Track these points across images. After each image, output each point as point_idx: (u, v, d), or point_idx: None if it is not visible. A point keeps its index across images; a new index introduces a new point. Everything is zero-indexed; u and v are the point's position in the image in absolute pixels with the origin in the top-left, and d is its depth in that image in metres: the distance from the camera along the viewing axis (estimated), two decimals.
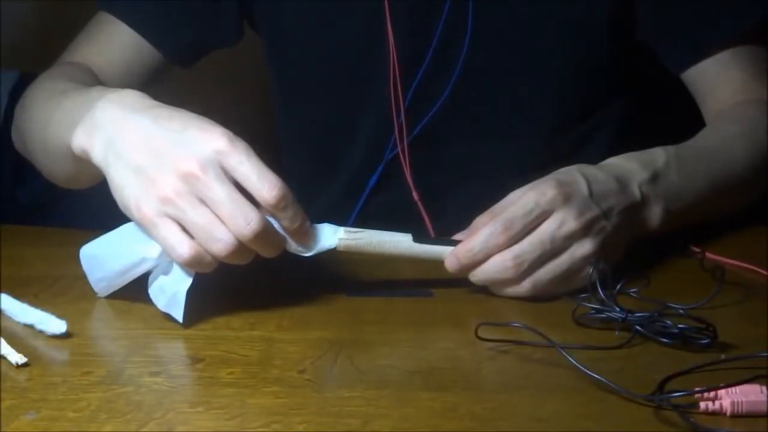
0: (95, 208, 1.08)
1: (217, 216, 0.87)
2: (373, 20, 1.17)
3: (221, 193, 0.87)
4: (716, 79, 1.19)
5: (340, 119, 1.25)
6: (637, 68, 1.24)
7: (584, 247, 0.95)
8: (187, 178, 0.87)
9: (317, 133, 1.27)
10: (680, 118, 1.24)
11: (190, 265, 0.88)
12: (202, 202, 0.87)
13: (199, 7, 1.23)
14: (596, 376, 0.78)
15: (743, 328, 0.90)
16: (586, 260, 0.95)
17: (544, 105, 1.21)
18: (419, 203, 1.19)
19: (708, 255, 1.04)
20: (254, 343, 0.87)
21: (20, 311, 0.90)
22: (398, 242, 0.96)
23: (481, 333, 0.86)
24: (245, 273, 0.91)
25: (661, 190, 1.03)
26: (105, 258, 0.93)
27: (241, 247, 0.88)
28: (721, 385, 0.75)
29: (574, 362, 0.80)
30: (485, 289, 0.97)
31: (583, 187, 0.97)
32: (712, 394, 0.75)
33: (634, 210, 1.01)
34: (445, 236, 0.98)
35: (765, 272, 1.02)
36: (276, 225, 0.91)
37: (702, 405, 0.75)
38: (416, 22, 1.17)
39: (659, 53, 1.21)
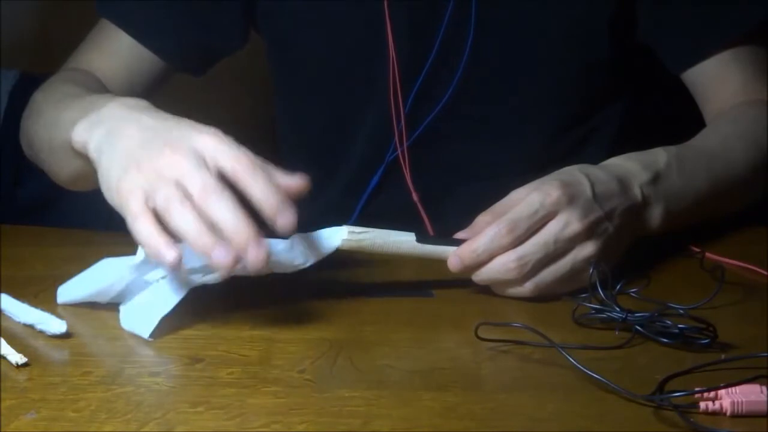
0: (95, 208, 1.08)
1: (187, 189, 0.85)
2: (374, 22, 1.17)
3: (191, 168, 0.86)
4: (717, 80, 1.19)
5: (341, 120, 1.25)
6: (637, 69, 1.24)
7: (587, 249, 0.95)
8: (171, 165, 0.86)
9: (318, 133, 1.27)
10: (681, 118, 1.24)
11: (139, 235, 0.86)
12: (177, 182, 0.86)
13: (202, 14, 1.22)
14: (596, 376, 0.78)
15: (743, 328, 0.90)
16: (588, 261, 0.95)
17: (545, 106, 1.21)
18: (419, 204, 1.19)
19: (708, 255, 1.04)
20: (254, 343, 0.87)
21: (20, 311, 0.90)
22: (402, 242, 0.96)
23: (481, 333, 0.86)
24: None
25: (662, 191, 1.03)
26: (87, 284, 0.93)
27: (189, 208, 0.85)
28: (721, 385, 0.75)
29: (574, 362, 0.80)
30: (486, 290, 0.97)
31: (587, 188, 0.97)
32: (712, 394, 0.75)
33: (636, 211, 1.01)
34: (446, 236, 0.98)
35: (765, 272, 1.02)
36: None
37: (702, 405, 0.75)
38: (417, 23, 1.17)
39: (660, 53, 1.21)
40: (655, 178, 1.03)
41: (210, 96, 1.69)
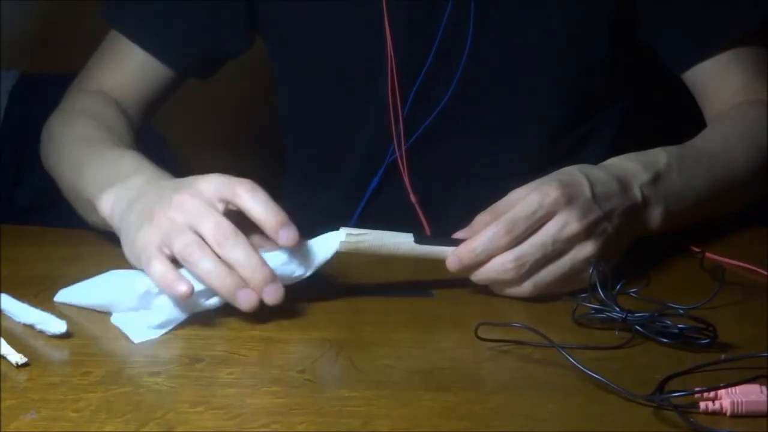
0: None
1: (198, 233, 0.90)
2: (373, 23, 1.17)
3: (202, 209, 0.90)
4: (717, 80, 1.19)
5: (341, 122, 1.25)
6: (638, 68, 1.24)
7: (586, 249, 0.95)
8: (179, 206, 0.91)
9: (318, 135, 1.27)
10: (681, 118, 1.24)
11: (152, 274, 0.90)
12: (187, 224, 0.90)
13: (210, 21, 1.23)
14: (596, 376, 0.79)
15: (743, 328, 0.90)
16: (587, 262, 0.95)
17: (544, 106, 1.21)
18: (417, 206, 1.19)
19: (708, 255, 1.04)
20: (254, 343, 0.87)
21: (20, 311, 0.90)
22: (400, 243, 0.96)
23: (481, 333, 0.86)
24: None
25: (662, 192, 1.03)
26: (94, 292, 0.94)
27: (208, 252, 0.89)
28: (721, 385, 0.75)
29: (574, 362, 0.80)
30: (486, 290, 0.97)
31: (586, 189, 0.97)
32: (712, 394, 0.75)
33: (635, 211, 1.01)
34: (446, 237, 0.98)
35: (765, 272, 1.02)
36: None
37: (702, 405, 0.75)
38: (416, 24, 1.17)
39: (660, 53, 1.21)
40: (656, 179, 1.03)
41: (211, 98, 1.69)
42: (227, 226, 0.90)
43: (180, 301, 0.89)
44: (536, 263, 0.94)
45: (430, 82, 1.18)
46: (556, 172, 0.99)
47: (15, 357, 0.82)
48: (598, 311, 0.90)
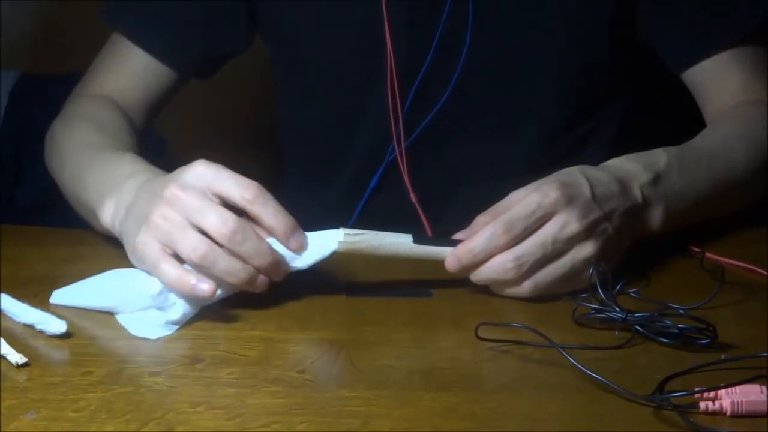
0: None
1: (198, 227, 0.90)
2: (373, 23, 1.17)
3: (198, 204, 0.90)
4: (717, 80, 1.19)
5: (341, 121, 1.25)
6: (638, 68, 1.24)
7: (586, 249, 0.95)
8: (171, 202, 0.91)
9: (318, 134, 1.27)
10: (681, 118, 1.24)
11: (166, 278, 0.90)
12: (186, 220, 0.90)
13: (208, 20, 1.23)
14: (596, 376, 0.79)
15: (743, 328, 0.90)
16: (587, 262, 0.95)
17: (544, 106, 1.20)
18: (417, 205, 1.19)
19: (708, 255, 1.04)
20: (254, 343, 0.87)
21: (20, 311, 0.90)
22: (398, 243, 0.96)
23: (481, 333, 0.86)
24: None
25: (663, 192, 1.03)
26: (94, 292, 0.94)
27: (220, 252, 0.89)
28: (721, 385, 0.75)
29: (574, 362, 0.80)
30: (486, 289, 0.97)
31: (586, 189, 0.97)
32: (712, 394, 0.75)
33: (636, 212, 1.01)
34: (445, 237, 0.98)
35: (765, 272, 1.01)
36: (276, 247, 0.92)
37: (702, 405, 0.75)
38: (416, 24, 1.17)
39: (660, 53, 1.21)
40: (656, 179, 1.03)
41: (211, 98, 1.69)
42: (230, 218, 0.90)
43: (195, 298, 0.90)
44: (536, 263, 0.94)
45: (429, 81, 1.18)
46: (556, 173, 0.99)
47: (15, 357, 0.82)
48: (598, 311, 0.90)
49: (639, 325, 0.87)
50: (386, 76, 1.18)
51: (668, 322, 0.86)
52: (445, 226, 1.04)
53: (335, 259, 0.95)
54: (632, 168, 1.03)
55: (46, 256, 1.07)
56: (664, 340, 0.86)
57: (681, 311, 0.90)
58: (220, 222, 0.90)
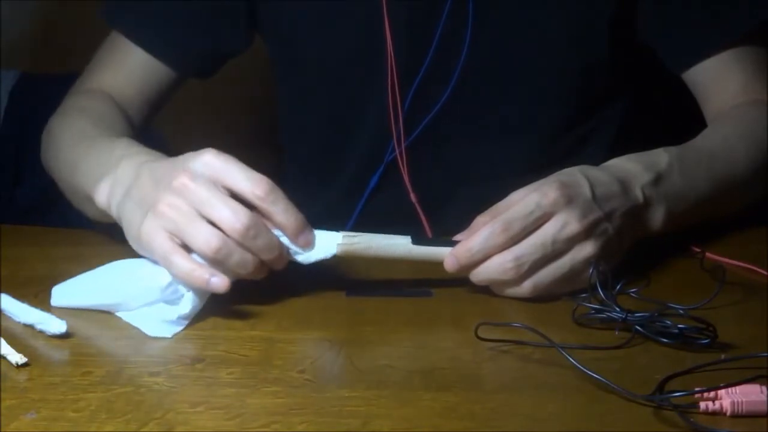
0: None
1: (210, 220, 0.90)
2: (373, 23, 1.17)
3: (209, 196, 0.90)
4: (717, 80, 1.19)
5: (341, 120, 1.25)
6: (638, 68, 1.24)
7: (586, 249, 0.95)
8: (180, 191, 0.91)
9: (318, 133, 1.27)
10: (681, 118, 1.24)
11: (178, 272, 0.89)
12: (195, 211, 0.90)
13: (208, 19, 1.23)
14: (596, 376, 0.78)
15: (743, 328, 0.90)
16: (587, 262, 0.95)
17: (544, 106, 1.20)
18: (417, 205, 1.19)
19: (708, 255, 1.04)
20: (254, 343, 0.87)
21: (20, 311, 0.90)
22: (397, 245, 0.96)
23: (481, 333, 0.86)
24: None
25: (664, 192, 1.03)
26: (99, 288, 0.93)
27: (233, 246, 0.89)
28: (721, 385, 0.75)
29: (574, 362, 0.80)
30: (486, 289, 0.97)
31: (586, 189, 0.97)
32: (712, 394, 0.75)
33: (637, 212, 1.01)
34: (445, 237, 0.98)
35: (765, 272, 1.01)
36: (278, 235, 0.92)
37: (702, 405, 0.75)
38: (416, 24, 1.17)
39: (660, 53, 1.21)
40: (657, 179, 1.03)
41: (211, 98, 1.69)
42: (243, 213, 0.90)
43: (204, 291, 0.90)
44: (535, 263, 0.94)
45: (429, 81, 1.18)
46: (557, 173, 0.99)
47: (15, 357, 0.82)
48: (598, 311, 0.90)
49: (639, 325, 0.87)
50: (386, 76, 1.18)
51: (668, 322, 0.86)
52: (445, 226, 1.04)
53: (335, 258, 0.95)
54: (633, 168, 1.03)
55: (46, 256, 1.07)
56: (664, 340, 0.86)
57: (681, 311, 0.90)
58: (233, 217, 0.89)
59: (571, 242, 0.95)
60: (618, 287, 0.93)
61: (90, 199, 1.02)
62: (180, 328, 0.89)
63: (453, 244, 0.95)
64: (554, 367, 0.82)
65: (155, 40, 1.22)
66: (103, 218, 1.03)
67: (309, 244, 0.94)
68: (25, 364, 0.82)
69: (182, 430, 0.73)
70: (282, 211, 0.92)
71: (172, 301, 0.90)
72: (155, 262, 0.92)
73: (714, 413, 0.75)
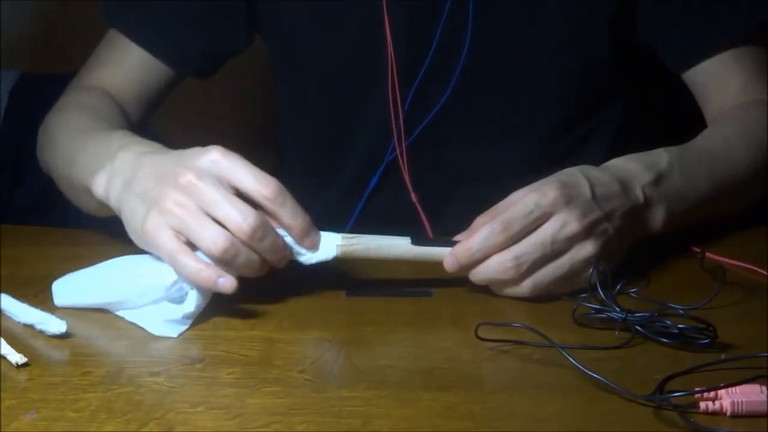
0: None
1: (217, 219, 0.89)
2: (373, 24, 1.17)
3: (217, 196, 0.90)
4: (717, 80, 1.19)
5: (341, 120, 1.25)
6: (638, 68, 1.24)
7: (586, 249, 0.95)
8: (186, 189, 0.90)
9: (318, 133, 1.27)
10: (681, 118, 1.24)
11: (185, 272, 0.89)
12: (201, 209, 0.90)
13: (209, 20, 1.23)
14: (596, 376, 0.79)
15: (743, 328, 0.90)
16: (587, 262, 0.95)
17: (544, 106, 1.20)
18: (417, 205, 1.19)
19: (708, 255, 1.04)
20: (254, 343, 0.87)
21: (20, 311, 0.90)
22: (396, 246, 0.96)
23: (481, 333, 0.86)
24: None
25: (664, 193, 1.03)
26: (99, 286, 0.93)
27: (240, 247, 0.89)
28: (721, 385, 0.75)
29: (574, 362, 0.80)
30: (485, 289, 0.97)
31: (586, 189, 0.97)
32: (712, 394, 0.75)
33: (637, 212, 1.01)
34: (446, 237, 0.98)
35: (765, 272, 1.01)
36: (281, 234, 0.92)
37: (702, 405, 0.75)
38: (416, 24, 1.17)
39: (661, 53, 1.21)
40: (658, 180, 1.03)
41: (211, 98, 1.69)
42: (251, 214, 0.90)
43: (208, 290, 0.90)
44: (535, 263, 0.94)
45: (429, 81, 1.18)
46: (557, 173, 0.99)
47: (15, 357, 0.82)
48: (598, 311, 0.90)
49: (639, 325, 0.87)
50: (386, 76, 1.18)
51: (668, 322, 0.86)
52: (445, 226, 1.04)
53: (335, 259, 0.95)
54: (634, 168, 1.03)
55: (46, 256, 1.07)
56: (664, 340, 0.86)
57: (681, 311, 0.90)
58: (240, 217, 0.89)
59: (571, 242, 0.95)
60: (618, 287, 0.93)
61: (87, 191, 1.01)
62: (185, 327, 0.89)
63: (453, 244, 0.95)
64: (554, 367, 0.82)
65: (155, 39, 1.22)
66: (100, 211, 1.03)
67: (314, 246, 0.94)
68: (25, 364, 0.82)
69: (182, 430, 0.73)
70: (290, 213, 0.92)
71: (177, 300, 0.89)
72: (157, 257, 0.91)
73: (714, 413, 0.75)
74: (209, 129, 1.84)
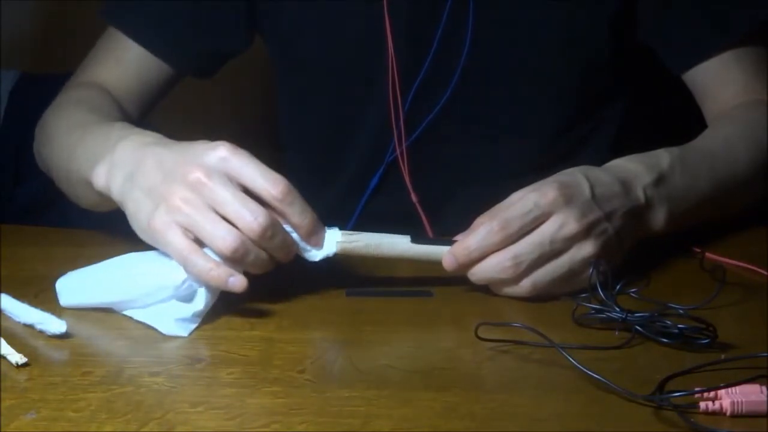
0: None
1: (226, 218, 0.89)
2: (374, 24, 1.17)
3: (227, 194, 0.90)
4: (718, 80, 1.19)
5: (341, 121, 1.25)
6: (638, 68, 1.24)
7: (585, 249, 0.95)
8: (194, 186, 0.90)
9: (319, 134, 1.27)
10: (681, 118, 1.24)
11: (196, 271, 0.89)
12: (210, 207, 0.89)
13: (208, 19, 1.23)
14: (596, 376, 0.79)
15: (743, 328, 0.90)
16: (586, 262, 0.95)
17: (545, 106, 1.20)
18: (418, 205, 1.19)
19: (708, 255, 1.04)
20: (254, 343, 0.87)
21: (20, 311, 0.90)
22: (396, 244, 0.96)
23: (481, 333, 0.86)
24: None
25: (665, 193, 1.03)
26: (103, 284, 0.93)
27: (250, 246, 0.89)
28: (721, 385, 0.75)
29: (574, 362, 0.80)
30: (485, 289, 0.97)
31: (585, 189, 0.97)
32: (712, 394, 0.75)
33: (638, 213, 1.01)
34: (445, 237, 0.98)
35: (765, 272, 1.02)
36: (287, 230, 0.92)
37: (702, 405, 0.75)
38: (416, 24, 1.17)
39: (661, 54, 1.21)
40: (659, 180, 1.03)
41: (211, 98, 1.69)
42: (261, 214, 0.90)
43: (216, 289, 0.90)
44: (534, 262, 0.94)
45: (429, 81, 1.18)
46: (557, 173, 0.99)
47: (15, 357, 0.82)
48: (598, 311, 0.90)
49: (639, 325, 0.87)
50: (387, 76, 1.18)
51: (668, 322, 0.86)
52: (445, 227, 1.04)
53: (335, 258, 0.95)
54: (635, 168, 1.03)
55: (46, 256, 1.07)
56: (664, 340, 0.86)
57: (681, 311, 0.90)
58: (250, 217, 0.89)
59: (570, 242, 0.95)
60: (618, 287, 0.93)
61: (87, 185, 1.00)
62: (194, 325, 0.89)
63: (452, 243, 0.95)
64: (554, 367, 0.82)
65: (156, 39, 1.22)
66: (100, 206, 1.03)
67: (320, 244, 0.94)
68: (25, 364, 0.82)
69: (182, 430, 0.73)
70: (298, 212, 0.92)
71: (186, 298, 0.89)
72: (162, 254, 0.91)
73: (714, 413, 0.75)
74: (209, 129, 1.84)
